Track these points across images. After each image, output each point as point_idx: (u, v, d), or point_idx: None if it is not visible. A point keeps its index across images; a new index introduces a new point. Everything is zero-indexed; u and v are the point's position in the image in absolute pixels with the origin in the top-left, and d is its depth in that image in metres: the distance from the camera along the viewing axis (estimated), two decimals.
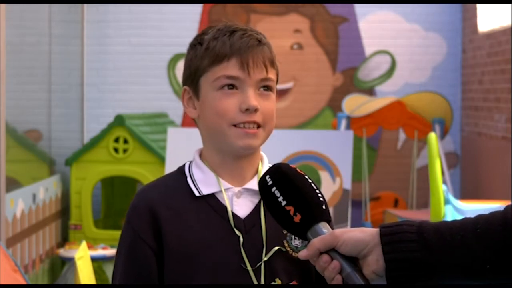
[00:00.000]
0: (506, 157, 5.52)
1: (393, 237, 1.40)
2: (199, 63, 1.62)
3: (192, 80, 1.64)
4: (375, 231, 1.43)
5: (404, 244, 1.39)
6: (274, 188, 1.49)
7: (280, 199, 1.48)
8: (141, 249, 1.61)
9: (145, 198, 1.64)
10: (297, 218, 1.47)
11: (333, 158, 5.09)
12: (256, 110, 1.59)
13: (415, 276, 1.38)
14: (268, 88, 1.62)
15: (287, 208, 1.47)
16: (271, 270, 1.61)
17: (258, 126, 1.61)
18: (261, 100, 1.60)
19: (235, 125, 1.59)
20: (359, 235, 1.43)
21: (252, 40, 1.61)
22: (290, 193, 1.48)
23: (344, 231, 1.44)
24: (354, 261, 1.43)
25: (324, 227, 1.47)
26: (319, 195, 1.50)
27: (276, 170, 1.51)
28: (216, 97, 1.60)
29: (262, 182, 1.51)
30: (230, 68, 1.59)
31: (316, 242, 1.44)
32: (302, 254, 1.46)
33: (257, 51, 1.60)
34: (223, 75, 1.59)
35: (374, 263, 1.40)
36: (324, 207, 1.49)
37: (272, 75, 1.63)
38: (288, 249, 1.63)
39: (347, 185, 5.06)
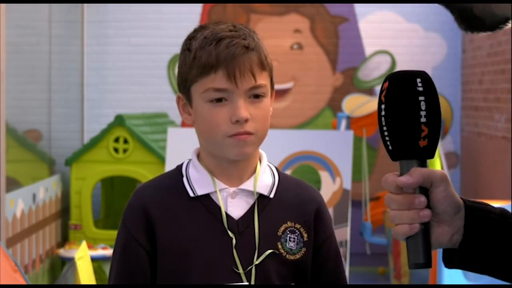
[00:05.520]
0: (506, 157, 5.51)
1: (476, 212, 1.27)
2: (188, 72, 1.62)
3: (183, 87, 1.64)
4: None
5: (487, 215, 1.28)
6: (422, 98, 1.23)
7: (423, 114, 1.23)
8: (134, 248, 1.62)
9: (139, 198, 1.65)
10: (422, 143, 1.24)
11: (333, 158, 5.09)
12: (246, 120, 1.58)
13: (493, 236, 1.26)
14: (258, 95, 1.61)
15: (423, 127, 1.23)
16: (264, 273, 1.59)
17: (251, 133, 1.60)
18: (252, 108, 1.59)
19: (228, 136, 1.59)
20: (459, 200, 1.27)
21: (239, 48, 1.58)
22: (434, 115, 1.24)
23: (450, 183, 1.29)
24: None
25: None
26: None
27: (430, 83, 1.25)
28: (207, 109, 1.60)
29: (410, 82, 1.24)
30: (218, 81, 1.58)
31: (425, 171, 1.25)
32: (403, 179, 1.28)
33: (243, 60, 1.58)
34: (211, 87, 1.59)
35: (447, 235, 1.27)
36: None
37: (262, 80, 1.61)
38: (282, 251, 1.61)
39: (347, 185, 5.06)
